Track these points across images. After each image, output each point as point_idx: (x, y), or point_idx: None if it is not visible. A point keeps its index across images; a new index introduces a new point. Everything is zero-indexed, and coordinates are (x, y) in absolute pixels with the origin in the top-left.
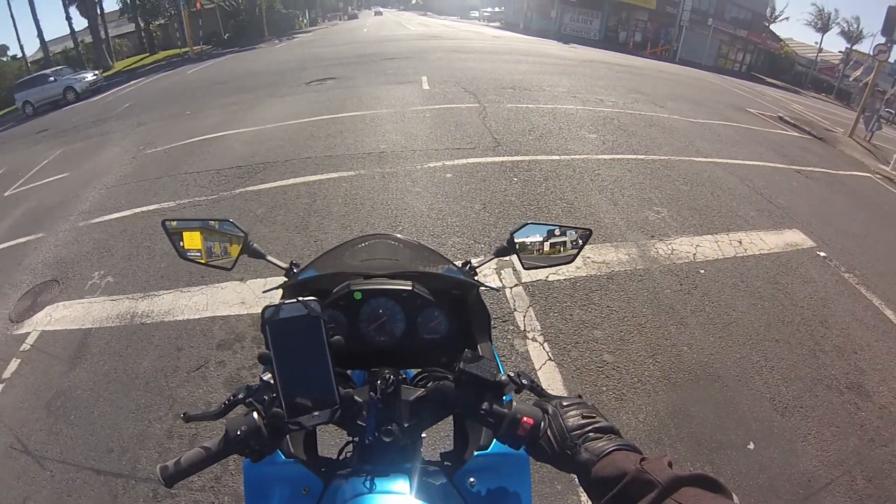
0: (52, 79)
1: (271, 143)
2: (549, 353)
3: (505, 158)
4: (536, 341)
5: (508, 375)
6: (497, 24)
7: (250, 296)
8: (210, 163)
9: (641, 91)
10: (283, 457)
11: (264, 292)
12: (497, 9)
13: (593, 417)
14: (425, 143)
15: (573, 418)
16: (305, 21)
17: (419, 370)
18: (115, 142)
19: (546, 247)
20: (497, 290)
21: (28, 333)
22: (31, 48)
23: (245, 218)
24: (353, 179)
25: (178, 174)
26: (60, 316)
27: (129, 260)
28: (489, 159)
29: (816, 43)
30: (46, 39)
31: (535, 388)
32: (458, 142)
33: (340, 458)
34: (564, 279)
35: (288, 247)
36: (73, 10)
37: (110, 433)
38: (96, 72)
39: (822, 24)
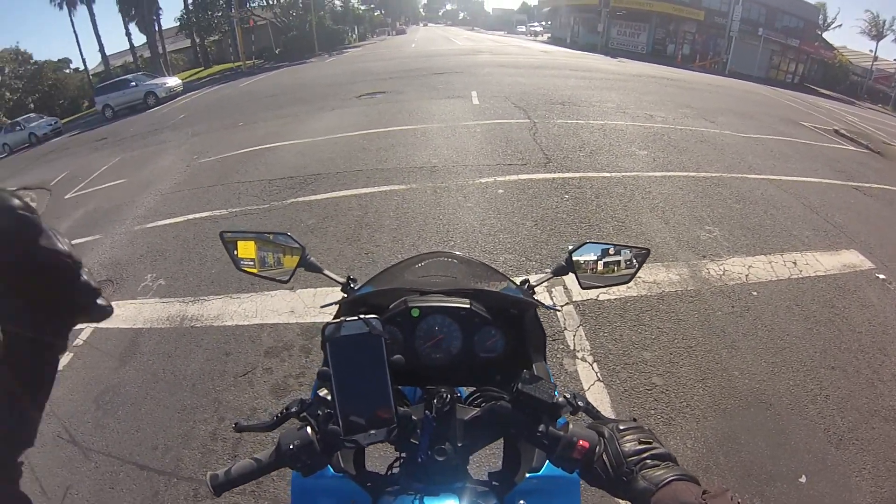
0: (133, 84)
1: (322, 155)
2: (598, 374)
3: (556, 175)
4: (586, 361)
5: (564, 397)
6: (544, 39)
7: (300, 305)
8: (262, 173)
9: (691, 105)
10: (333, 471)
11: (322, 307)
12: (544, 23)
13: (650, 443)
14: (476, 159)
15: (630, 443)
16: (354, 36)
17: (473, 389)
18: (170, 150)
19: (603, 266)
20: (557, 309)
21: (81, 329)
22: (93, 62)
23: (296, 228)
24: (405, 193)
25: (230, 183)
26: (113, 315)
27: (181, 264)
28: (540, 176)
29: (871, 51)
30: (107, 54)
31: (591, 411)
32: (509, 157)
33: (389, 473)
34: (615, 299)
35: (339, 258)
36: (133, 27)
37: (156, 431)
38: (177, 78)
39: (877, 31)
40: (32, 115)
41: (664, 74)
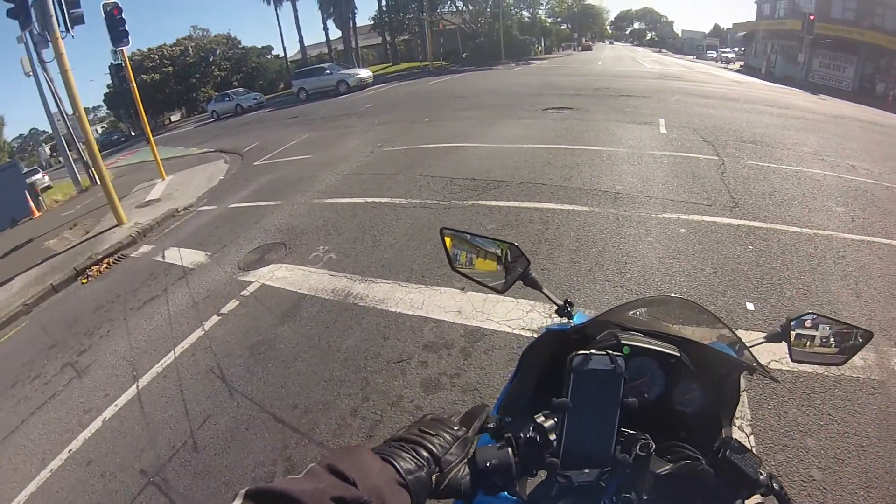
0: (327, 71)
1: (506, 163)
2: (754, 448)
3: (741, 222)
4: (743, 431)
5: (763, 475)
6: (736, 66)
7: (468, 307)
8: (444, 170)
9: None
10: (508, 493)
11: (547, 328)
12: (736, 50)
13: None
14: (660, 192)
15: None
16: (541, 48)
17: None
18: (355, 136)
19: (820, 342)
20: (776, 381)
21: (251, 282)
22: (291, 50)
23: (474, 230)
24: (587, 215)
25: (412, 174)
26: (282, 276)
27: (354, 243)
28: (725, 220)
29: None
30: (306, 45)
31: (782, 497)
32: (694, 195)
33: None
34: (786, 370)
35: None
36: (330, 23)
37: (299, 392)
38: (369, 70)
39: None
40: (240, 89)
41: (872, 118)
